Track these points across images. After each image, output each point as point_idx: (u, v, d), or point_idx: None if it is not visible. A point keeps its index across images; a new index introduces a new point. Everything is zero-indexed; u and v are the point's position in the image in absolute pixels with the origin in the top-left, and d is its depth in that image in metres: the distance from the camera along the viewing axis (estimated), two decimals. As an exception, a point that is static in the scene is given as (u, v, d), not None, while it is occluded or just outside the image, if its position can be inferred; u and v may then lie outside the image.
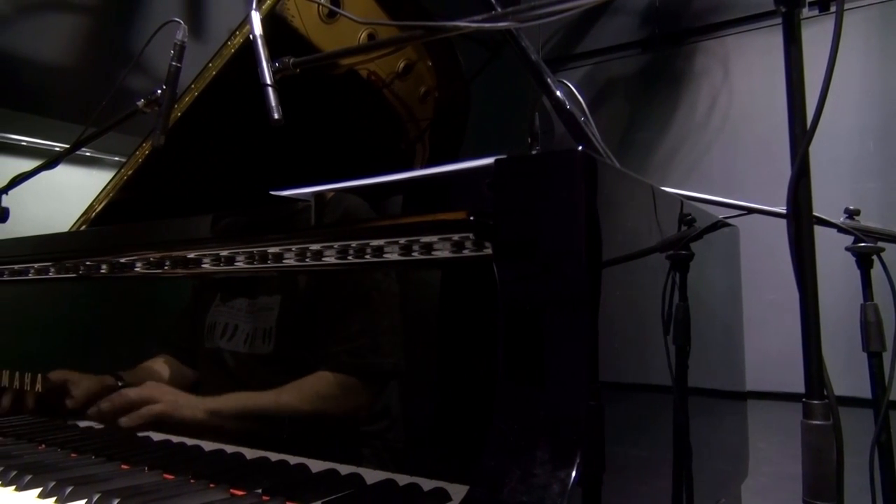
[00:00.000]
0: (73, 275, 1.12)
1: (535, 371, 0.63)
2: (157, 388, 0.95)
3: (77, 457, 0.94)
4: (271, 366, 0.87)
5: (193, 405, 0.91)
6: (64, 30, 2.36)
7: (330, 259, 0.82)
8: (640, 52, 3.16)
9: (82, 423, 1.02)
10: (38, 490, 0.78)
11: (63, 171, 1.63)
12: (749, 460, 1.23)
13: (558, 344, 0.63)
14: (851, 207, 1.01)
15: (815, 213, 0.72)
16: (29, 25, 2.26)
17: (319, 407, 0.82)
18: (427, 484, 0.71)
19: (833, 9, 0.71)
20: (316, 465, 0.79)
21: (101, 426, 1.00)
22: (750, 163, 2.76)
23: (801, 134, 0.69)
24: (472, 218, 0.67)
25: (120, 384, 1.00)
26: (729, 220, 1.09)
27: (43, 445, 1.00)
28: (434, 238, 0.73)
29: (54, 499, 0.75)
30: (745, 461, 1.21)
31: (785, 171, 0.73)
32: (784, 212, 0.70)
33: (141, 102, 1.27)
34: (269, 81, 1.02)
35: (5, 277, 1.25)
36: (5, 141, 2.37)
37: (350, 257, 0.80)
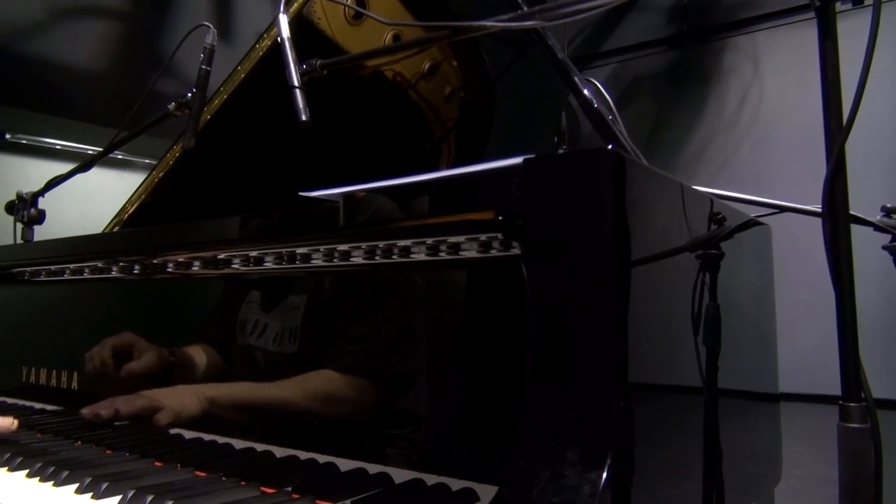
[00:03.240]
0: (107, 275, 1.14)
1: (564, 371, 0.62)
2: (160, 393, 0.97)
3: (112, 453, 0.96)
4: (298, 365, 0.87)
5: (199, 398, 0.93)
6: (96, 35, 2.42)
7: (358, 259, 0.83)
8: (668, 49, 3.12)
9: (116, 421, 1.04)
10: (75, 486, 0.79)
11: (96, 174, 1.66)
12: (782, 464, 1.21)
13: (587, 344, 0.62)
14: (888, 205, 0.98)
15: (851, 212, 0.71)
16: (62, 31, 2.32)
17: (319, 405, 0.83)
18: (455, 484, 0.71)
19: (867, 2, 0.70)
20: (344, 464, 0.80)
21: (134, 424, 1.02)
22: (781, 161, 2.71)
23: (836, 131, 0.67)
24: (500, 217, 0.67)
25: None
26: (761, 219, 1.07)
27: (79, 442, 1.02)
28: (462, 238, 0.73)
29: (90, 494, 0.77)
30: (777, 464, 1.19)
31: (817, 169, 0.72)
32: (819, 210, 0.69)
33: (172, 106, 1.29)
34: (296, 83, 1.03)
35: (42, 278, 1.28)
36: (41, 145, 2.43)
37: (377, 258, 0.81)
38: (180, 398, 0.93)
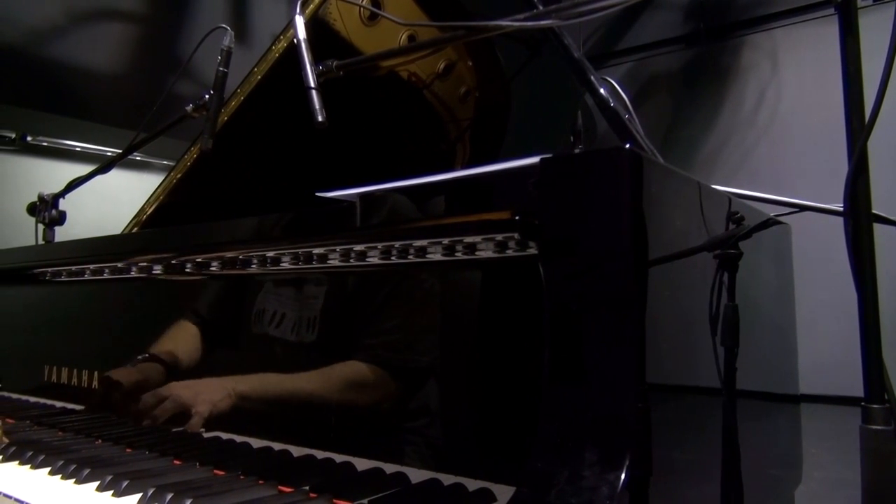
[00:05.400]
0: (127, 275, 1.16)
1: (581, 372, 0.62)
2: (190, 389, 0.97)
3: (132, 452, 0.97)
4: (315, 354, 0.88)
5: (229, 393, 0.92)
6: (115, 39, 2.45)
7: (374, 259, 0.83)
8: (685, 48, 3.10)
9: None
10: (96, 483, 0.80)
11: (116, 176, 1.68)
12: (802, 466, 1.19)
13: (605, 344, 0.62)
14: (911, 204, 0.97)
15: (873, 211, 0.70)
16: (82, 35, 2.35)
17: (346, 396, 0.83)
18: (472, 484, 0.71)
19: (890, -3, 0.69)
20: (361, 464, 0.80)
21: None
22: (800, 159, 2.68)
23: (858, 128, 0.66)
24: (517, 217, 0.67)
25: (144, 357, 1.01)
26: (780, 218, 1.06)
27: (99, 440, 1.04)
28: (478, 238, 0.73)
29: (111, 492, 0.78)
30: (798, 467, 1.18)
31: (837, 168, 0.71)
32: (841, 209, 0.68)
33: (190, 107, 1.30)
34: (312, 84, 1.04)
35: (63, 278, 1.30)
36: (61, 147, 2.47)
37: (394, 258, 0.81)
38: (211, 395, 0.94)
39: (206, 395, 0.94)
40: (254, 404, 0.91)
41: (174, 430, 0.98)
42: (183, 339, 1.02)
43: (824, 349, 1.91)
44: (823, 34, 2.60)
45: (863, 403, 0.66)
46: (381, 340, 0.82)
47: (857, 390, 0.73)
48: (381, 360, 0.81)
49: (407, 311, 0.82)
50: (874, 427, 0.64)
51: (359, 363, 0.82)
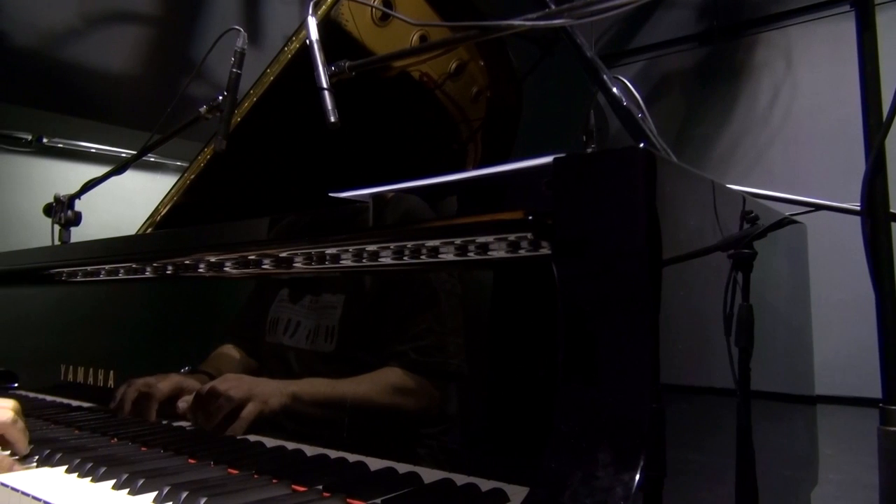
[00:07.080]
0: (142, 276, 1.17)
1: (595, 372, 0.62)
2: (243, 383, 0.95)
3: (147, 450, 0.98)
4: (332, 364, 0.88)
5: (280, 393, 0.91)
6: (130, 41, 2.47)
7: (386, 259, 0.83)
8: (697, 46, 3.08)
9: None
10: (112, 482, 0.81)
11: (130, 177, 1.70)
12: (818, 467, 1.18)
13: (619, 345, 0.62)
14: (930, 203, 0.96)
15: (891, 210, 0.69)
16: (97, 37, 2.37)
17: (393, 400, 0.82)
18: (485, 484, 0.71)
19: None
20: (374, 464, 0.80)
21: (166, 422, 1.04)
22: (815, 157, 2.66)
23: (876, 126, 0.65)
24: (530, 217, 0.67)
25: (188, 370, 1.02)
26: (795, 217, 1.05)
27: (115, 439, 1.05)
28: (490, 238, 0.72)
29: (127, 490, 0.79)
30: (814, 468, 1.16)
31: (853, 166, 0.70)
32: (858, 208, 0.67)
33: (203, 109, 1.31)
34: (325, 85, 1.04)
35: (79, 278, 1.32)
36: (76, 148, 2.49)
37: (406, 258, 0.81)
38: (263, 391, 0.92)
39: (259, 392, 0.92)
40: (304, 406, 0.89)
41: (188, 428, 0.99)
42: (224, 357, 1.02)
43: (841, 350, 1.89)
44: (839, 31, 2.58)
45: (880, 405, 0.65)
46: (413, 346, 0.82)
47: (875, 391, 0.72)
48: (414, 365, 0.80)
49: (434, 315, 0.81)
50: (892, 429, 0.63)
51: (396, 368, 0.82)
